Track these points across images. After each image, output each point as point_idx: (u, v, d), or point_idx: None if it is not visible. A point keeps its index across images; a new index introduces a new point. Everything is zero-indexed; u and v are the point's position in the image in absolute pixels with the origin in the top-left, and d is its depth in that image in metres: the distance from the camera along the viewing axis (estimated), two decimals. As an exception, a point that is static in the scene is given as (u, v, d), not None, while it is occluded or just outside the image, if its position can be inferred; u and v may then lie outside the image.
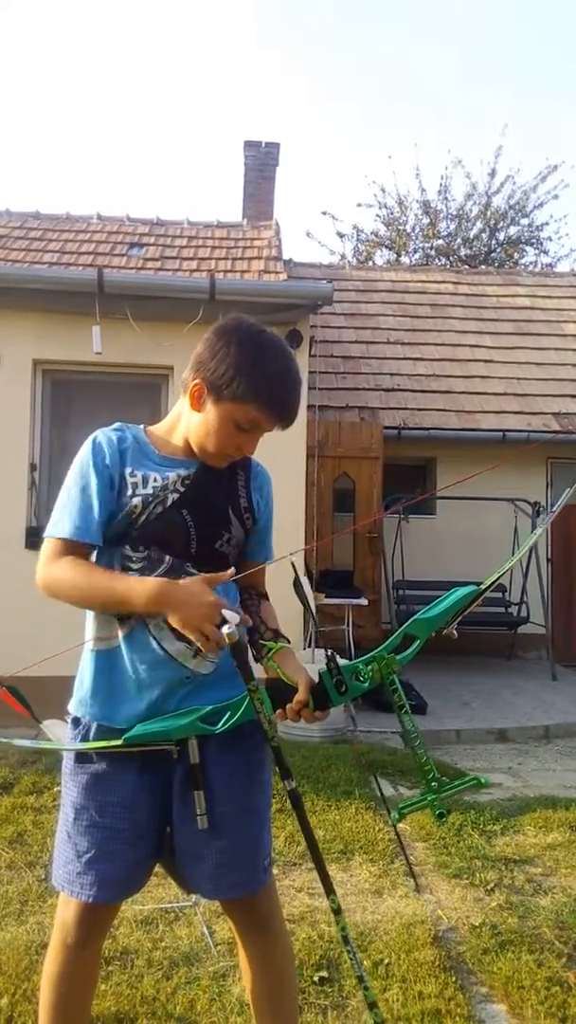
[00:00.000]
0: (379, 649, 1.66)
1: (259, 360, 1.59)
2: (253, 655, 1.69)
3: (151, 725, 1.58)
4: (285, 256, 9.19)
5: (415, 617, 1.69)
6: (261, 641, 1.72)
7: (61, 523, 1.60)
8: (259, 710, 1.56)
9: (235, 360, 1.58)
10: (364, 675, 1.65)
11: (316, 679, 1.64)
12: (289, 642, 1.74)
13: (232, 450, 1.65)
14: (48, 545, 1.61)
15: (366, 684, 1.65)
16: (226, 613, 1.51)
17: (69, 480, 1.65)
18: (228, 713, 1.59)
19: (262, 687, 1.60)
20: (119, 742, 1.58)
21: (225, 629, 1.48)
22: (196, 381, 1.63)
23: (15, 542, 5.78)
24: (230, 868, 1.63)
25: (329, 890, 1.68)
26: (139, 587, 1.54)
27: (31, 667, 1.90)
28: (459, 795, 4.12)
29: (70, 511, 1.61)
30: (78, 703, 1.68)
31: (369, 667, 1.65)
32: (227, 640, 1.49)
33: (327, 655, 1.66)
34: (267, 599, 1.83)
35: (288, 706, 1.61)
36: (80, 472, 1.64)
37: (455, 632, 1.73)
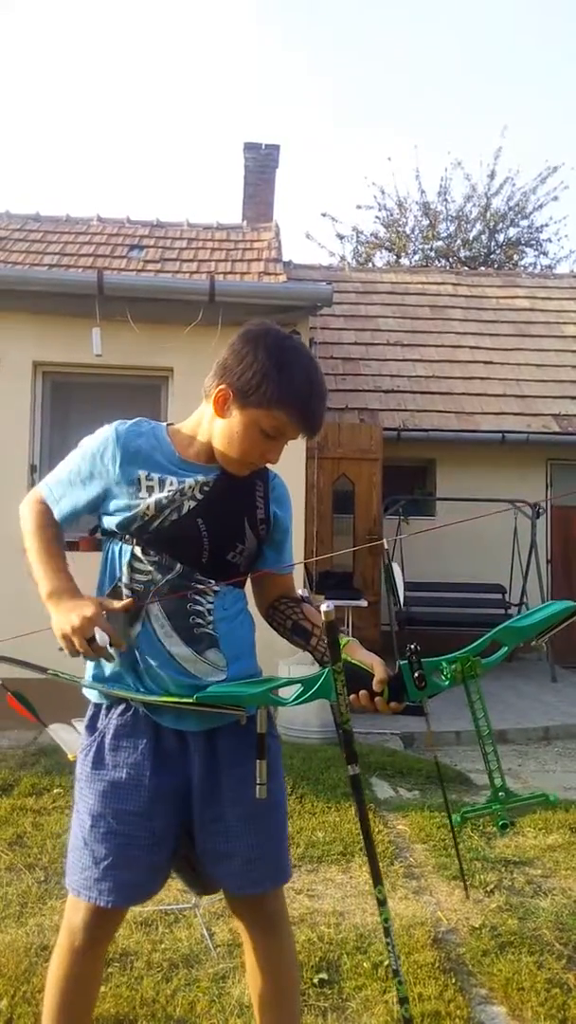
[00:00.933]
0: (465, 650, 1.62)
1: (287, 367, 1.57)
2: (317, 660, 1.69)
3: (224, 688, 1.58)
4: (285, 258, 9.20)
5: (506, 624, 1.65)
6: (321, 646, 1.68)
7: (50, 484, 1.72)
8: (340, 691, 1.53)
9: (263, 366, 1.56)
10: (446, 673, 1.60)
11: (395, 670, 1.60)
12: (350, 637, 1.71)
13: (256, 457, 1.64)
14: (36, 489, 1.75)
15: (446, 683, 1.61)
16: (98, 631, 1.52)
17: (75, 454, 1.71)
18: (301, 688, 1.58)
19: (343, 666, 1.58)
20: (191, 699, 1.57)
21: (99, 638, 1.51)
22: (221, 387, 1.60)
23: (15, 543, 5.76)
24: (258, 863, 1.64)
25: (377, 880, 1.66)
26: (48, 580, 1.62)
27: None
28: (459, 797, 4.12)
29: (57, 481, 1.71)
30: (99, 686, 1.66)
31: (452, 666, 1.60)
32: (93, 652, 1.54)
33: (410, 648, 1.61)
34: (306, 601, 1.80)
35: (362, 692, 1.58)
36: (81, 457, 1.68)
37: (544, 644, 1.70)
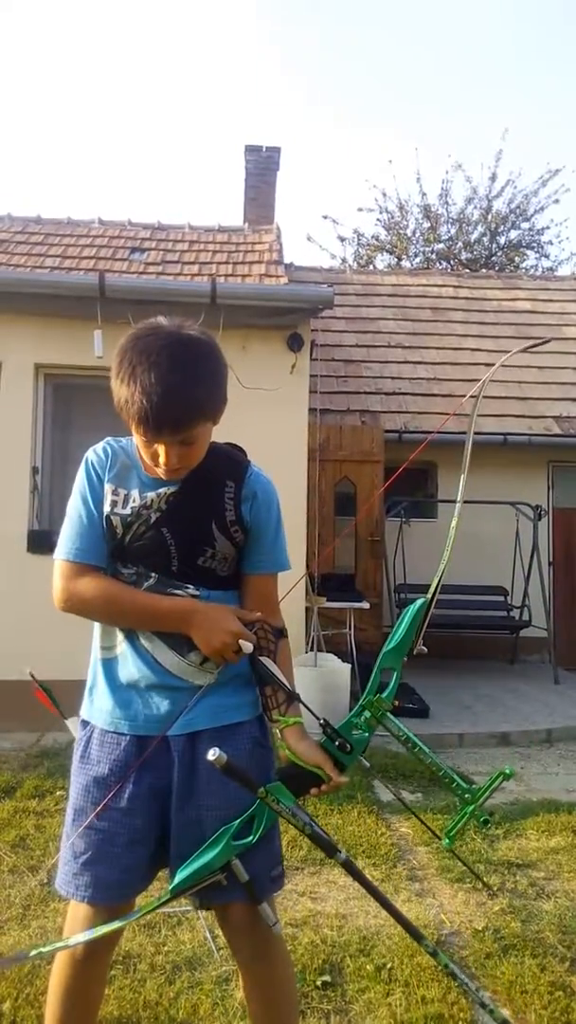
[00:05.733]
0: (365, 695, 1.71)
1: (129, 380, 1.52)
2: (263, 707, 1.70)
3: (189, 867, 1.57)
4: (286, 260, 9.21)
5: (383, 651, 1.74)
6: (276, 714, 1.65)
7: (68, 546, 1.65)
8: (278, 811, 1.57)
9: (116, 386, 1.56)
10: (360, 725, 1.68)
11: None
12: (299, 700, 1.68)
13: (157, 464, 1.60)
14: (60, 568, 1.65)
15: (367, 733, 1.69)
16: (242, 643, 1.58)
17: (70, 503, 1.69)
18: (255, 820, 1.60)
19: (276, 782, 1.61)
20: (167, 896, 1.59)
21: (244, 648, 1.58)
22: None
23: (17, 545, 5.77)
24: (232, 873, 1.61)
25: (419, 936, 1.74)
26: (168, 605, 1.61)
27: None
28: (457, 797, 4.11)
29: (73, 534, 1.66)
30: (87, 705, 1.72)
31: (362, 717, 1.69)
32: (239, 659, 1.60)
33: (320, 723, 1.67)
34: (285, 636, 1.74)
35: (313, 790, 1.65)
36: (79, 495, 1.68)
37: (424, 648, 1.76)
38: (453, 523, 1.86)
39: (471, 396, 2.00)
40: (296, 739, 1.66)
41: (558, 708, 6.63)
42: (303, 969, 2.44)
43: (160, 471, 1.61)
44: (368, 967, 2.48)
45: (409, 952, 2.56)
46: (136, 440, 1.62)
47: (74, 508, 1.68)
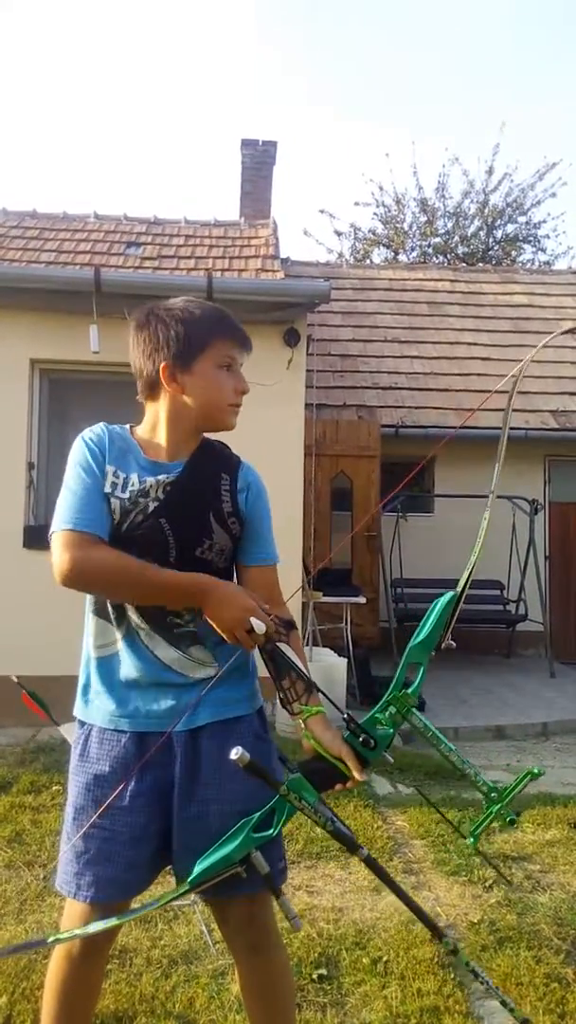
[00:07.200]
0: (390, 690, 1.66)
1: (191, 310, 1.69)
2: (281, 702, 1.67)
3: (208, 859, 1.54)
4: (282, 254, 9.19)
5: (410, 645, 1.69)
6: (297, 704, 1.64)
7: (69, 516, 1.58)
8: (300, 807, 1.56)
9: (175, 325, 1.67)
10: (385, 721, 1.65)
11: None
12: (320, 691, 1.66)
13: (231, 396, 1.69)
14: (61, 538, 1.56)
15: (391, 729, 1.65)
16: (254, 621, 1.55)
17: (69, 476, 1.64)
18: (276, 812, 1.58)
19: (297, 775, 1.59)
20: (186, 888, 1.57)
21: (256, 627, 1.55)
22: (160, 367, 1.66)
23: (13, 541, 5.77)
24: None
25: (440, 935, 1.73)
26: (183, 578, 1.58)
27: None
28: (458, 793, 4.13)
29: (76, 504, 1.59)
30: (82, 705, 1.69)
31: (387, 712, 1.65)
32: (253, 643, 1.58)
33: (344, 718, 1.65)
34: (294, 627, 1.73)
35: (338, 786, 1.64)
36: (79, 467, 1.63)
37: (453, 643, 1.73)
38: (485, 515, 1.83)
39: (499, 391, 1.97)
40: (321, 728, 1.63)
41: (554, 702, 6.65)
42: (299, 962, 2.45)
43: (234, 401, 1.69)
44: (364, 960, 2.49)
45: (405, 945, 2.57)
46: (206, 379, 1.66)
47: (75, 479, 1.61)
